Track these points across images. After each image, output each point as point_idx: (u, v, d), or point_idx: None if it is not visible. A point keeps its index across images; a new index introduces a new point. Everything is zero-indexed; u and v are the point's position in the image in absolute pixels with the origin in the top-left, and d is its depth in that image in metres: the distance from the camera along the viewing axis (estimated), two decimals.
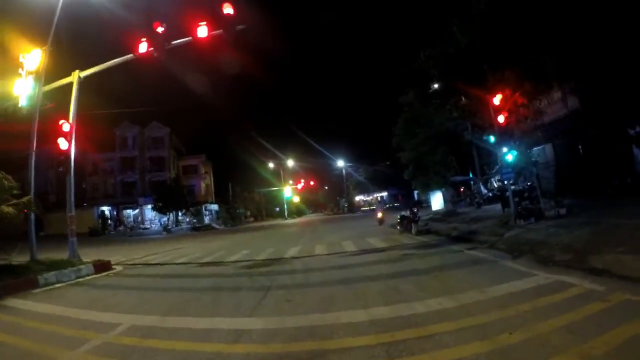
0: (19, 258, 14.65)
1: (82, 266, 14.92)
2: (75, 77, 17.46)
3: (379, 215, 31.36)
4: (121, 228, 68.10)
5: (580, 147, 22.28)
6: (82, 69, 17.73)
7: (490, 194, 33.42)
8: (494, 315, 6.01)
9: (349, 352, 5.32)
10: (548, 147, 24.99)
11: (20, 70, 15.98)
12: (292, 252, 18.39)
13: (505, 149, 17.85)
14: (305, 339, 6.06)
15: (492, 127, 18.89)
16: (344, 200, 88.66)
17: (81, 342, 6.54)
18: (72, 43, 18.42)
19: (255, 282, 11.71)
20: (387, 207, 64.97)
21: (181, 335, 6.83)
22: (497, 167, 23.75)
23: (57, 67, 17.84)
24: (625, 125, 18.97)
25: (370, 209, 79.62)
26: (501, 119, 17.37)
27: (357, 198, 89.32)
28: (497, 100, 17.45)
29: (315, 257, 16.01)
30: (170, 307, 9.15)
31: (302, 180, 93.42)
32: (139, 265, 17.90)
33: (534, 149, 22.45)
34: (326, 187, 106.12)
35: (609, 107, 18.47)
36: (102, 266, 15.80)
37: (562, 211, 15.68)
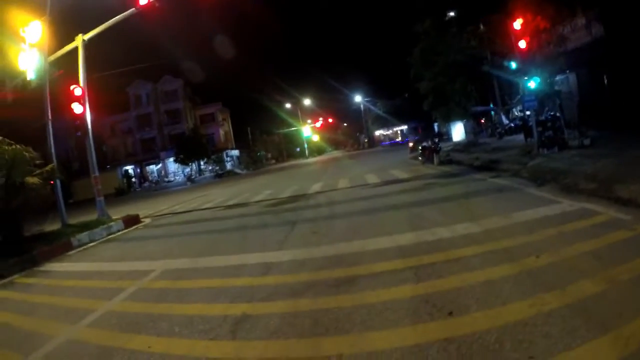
0: (52, 226, 15.04)
1: (112, 223, 15.36)
2: (79, 41, 17.23)
3: (411, 144, 33.87)
4: (146, 184, 69.04)
5: (605, 77, 21.57)
6: (86, 32, 17.46)
7: (512, 125, 32.92)
8: (520, 240, 6.03)
9: (377, 277, 5.46)
10: (572, 77, 24.26)
11: (22, 45, 15.73)
12: (315, 187, 18.57)
13: (526, 77, 17.41)
14: (333, 267, 6.22)
15: (513, 54, 18.40)
16: (363, 136, 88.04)
17: (117, 291, 6.81)
18: (71, 8, 17.90)
19: (281, 218, 11.95)
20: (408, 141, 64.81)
21: (212, 273, 7.10)
22: (519, 97, 23.26)
23: (61, 35, 17.61)
24: None
25: (390, 142, 79.17)
26: (522, 44, 16.87)
27: (377, 133, 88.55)
28: (517, 24, 16.88)
29: (338, 191, 16.17)
30: (199, 249, 9.44)
31: (321, 119, 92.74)
32: (167, 216, 18.25)
33: (557, 77, 21.85)
34: (345, 124, 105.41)
35: (633, 35, 17.71)
36: (131, 221, 16.21)
37: (586, 142, 15.36)
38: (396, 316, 4.22)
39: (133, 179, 69.97)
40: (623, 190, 7.54)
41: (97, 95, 22.01)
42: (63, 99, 17.15)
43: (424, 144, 23.01)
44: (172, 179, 69.79)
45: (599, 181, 8.80)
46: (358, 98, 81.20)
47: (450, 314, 4.06)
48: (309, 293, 5.32)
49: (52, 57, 16.97)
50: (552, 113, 17.86)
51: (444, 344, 3.51)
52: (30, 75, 15.72)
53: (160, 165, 73.65)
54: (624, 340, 3.12)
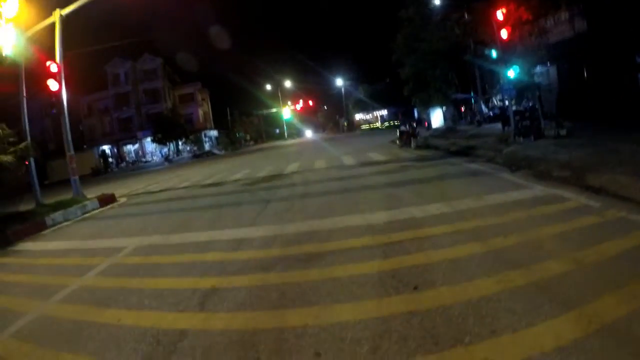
0: (26, 206, 14.76)
1: (86, 202, 15.05)
2: (56, 16, 16.58)
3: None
4: (123, 164, 67.86)
5: (585, 71, 21.75)
6: (64, 7, 16.76)
7: (491, 113, 33.07)
8: (489, 221, 6.08)
9: (346, 253, 5.47)
10: (552, 70, 24.43)
11: None
12: (291, 168, 18.56)
13: (507, 66, 17.49)
14: (304, 243, 6.24)
15: (495, 43, 18.46)
16: (343, 119, 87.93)
17: (90, 268, 6.74)
18: None
19: (255, 197, 11.94)
20: (387, 126, 64.84)
21: (184, 249, 7.06)
22: (499, 86, 23.38)
23: (38, 10, 16.93)
24: (632, 51, 18.46)
25: (370, 127, 79.21)
26: (504, 34, 16.88)
27: (357, 117, 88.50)
28: (500, 14, 16.90)
29: (314, 171, 16.18)
30: (173, 226, 9.37)
31: (301, 101, 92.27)
32: (143, 195, 18.01)
33: (537, 69, 21.98)
34: (325, 107, 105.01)
35: (617, 33, 17.89)
36: (106, 200, 15.93)
37: (563, 132, 15.49)
38: (362, 290, 4.23)
39: (110, 159, 68.79)
40: (595, 178, 7.62)
41: (74, 73, 21.51)
42: (39, 77, 16.59)
43: (402, 128, 23.06)
44: (150, 159, 68.83)
45: (572, 169, 8.90)
46: (339, 81, 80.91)
47: (416, 288, 4.08)
48: (277, 267, 5.32)
49: (29, 33, 16.40)
50: (530, 103, 17.99)
51: (407, 317, 3.52)
52: (7, 50, 15.21)
53: (137, 145, 72.40)
54: (587, 318, 3.15)
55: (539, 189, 7.89)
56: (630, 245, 4.54)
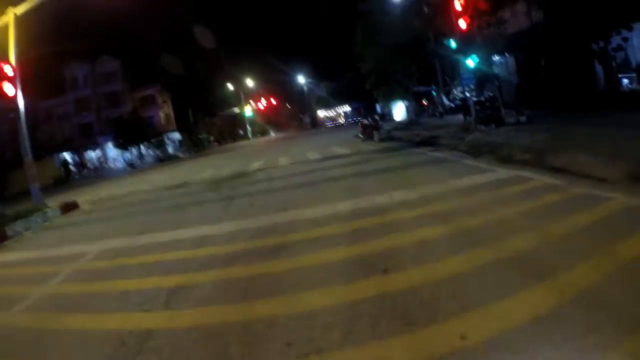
0: None
1: (47, 210, 14.36)
2: (10, 15, 15.90)
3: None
4: (85, 171, 65.79)
5: (542, 61, 22.17)
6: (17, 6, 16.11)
7: (453, 105, 33.50)
8: (455, 203, 6.08)
9: (311, 242, 5.37)
10: (510, 60, 24.87)
11: None
12: (255, 165, 18.37)
13: (466, 56, 17.68)
14: (268, 236, 6.12)
15: (454, 34, 18.62)
16: (307, 116, 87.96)
17: (53, 275, 6.44)
18: None
19: (219, 195, 11.72)
20: (350, 121, 65.11)
21: (148, 250, 6.83)
22: (459, 77, 23.67)
23: None
24: (588, 40, 18.87)
25: (334, 124, 79.41)
26: (462, 24, 17.02)
27: (321, 114, 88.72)
28: (458, 4, 17.04)
29: (278, 168, 16.01)
30: (136, 229, 9.07)
31: (263, 99, 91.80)
32: (106, 200, 17.48)
33: (496, 59, 22.33)
34: (288, 105, 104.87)
35: (573, 22, 18.26)
36: (68, 207, 15.27)
37: (523, 119, 15.78)
38: (330, 276, 4.13)
39: (71, 167, 66.95)
40: (556, 159, 7.74)
41: (31, 77, 20.65)
42: None
43: (364, 121, 23.11)
44: (113, 165, 67.29)
45: (534, 152, 9.01)
46: (301, 79, 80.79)
47: (385, 271, 4.00)
48: (242, 261, 5.18)
49: None
50: (490, 93, 18.22)
51: (378, 300, 3.43)
52: None
53: (99, 151, 70.81)
54: (560, 288, 3.13)
55: (502, 172, 7.98)
56: (595, 217, 4.60)
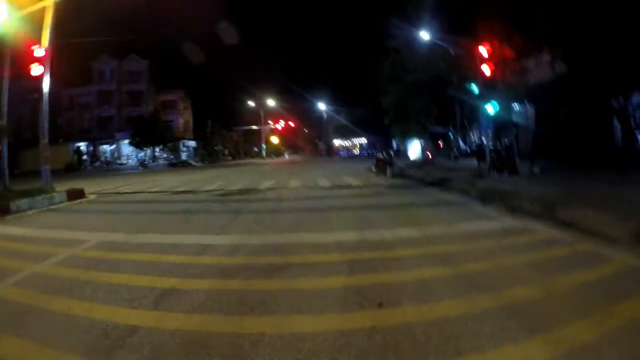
0: None
1: (55, 194, 14.59)
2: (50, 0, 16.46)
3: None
4: (97, 163, 66.52)
5: (562, 113, 22.21)
6: None
7: (468, 150, 33.59)
8: (459, 247, 6.03)
9: (311, 267, 5.33)
10: (530, 109, 24.91)
11: None
12: (266, 184, 18.41)
13: (487, 102, 17.76)
14: (269, 254, 6.08)
15: (477, 79, 18.74)
16: (322, 143, 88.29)
17: (48, 256, 6.51)
18: None
19: (226, 207, 11.77)
20: (365, 154, 65.24)
21: (146, 249, 6.84)
22: (478, 123, 23.72)
23: None
24: (609, 96, 18.93)
25: (348, 154, 79.59)
26: (486, 69, 17.15)
27: (336, 142, 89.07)
28: (484, 50, 17.19)
29: (288, 190, 16.05)
30: (139, 226, 9.12)
31: (282, 121, 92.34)
32: (113, 194, 17.63)
33: (516, 107, 22.38)
34: (305, 130, 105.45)
35: (595, 77, 18.38)
36: (75, 194, 15.46)
37: (536, 170, 15.75)
38: (324, 303, 4.08)
39: (85, 156, 67.52)
40: (566, 213, 7.67)
41: (59, 63, 20.99)
42: (22, 65, 16.20)
43: (379, 156, 23.20)
44: (125, 161, 67.78)
45: (544, 204, 8.93)
46: (322, 105, 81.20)
47: (380, 305, 3.95)
48: (240, 275, 5.14)
49: (21, 13, 16.01)
50: (507, 141, 18.24)
51: (369, 333, 3.38)
52: None
53: (114, 146, 71.21)
54: (556, 342, 3.08)
55: (510, 221, 7.94)
56: (598, 276, 4.56)
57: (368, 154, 62.16)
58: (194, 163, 63.95)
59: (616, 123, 18.94)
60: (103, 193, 17.88)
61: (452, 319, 3.55)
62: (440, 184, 15.33)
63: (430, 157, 33.62)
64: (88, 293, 4.73)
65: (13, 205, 12.22)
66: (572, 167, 17.01)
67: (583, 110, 19.95)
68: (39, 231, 9.16)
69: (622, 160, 16.37)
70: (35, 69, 15.38)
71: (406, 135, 38.57)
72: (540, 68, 22.49)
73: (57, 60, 18.25)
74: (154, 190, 18.63)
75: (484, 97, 18.11)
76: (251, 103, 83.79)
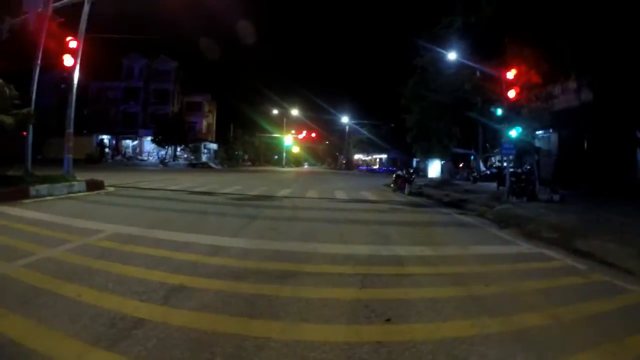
0: (14, 173, 14.46)
1: (75, 182, 14.83)
2: None
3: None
4: (119, 157, 67.22)
5: (585, 141, 22.04)
6: None
7: (488, 172, 33.32)
8: (472, 269, 6.00)
9: (322, 276, 5.34)
10: (553, 136, 24.78)
11: None
12: (283, 192, 18.48)
13: (510, 126, 17.70)
14: (282, 261, 6.09)
15: (502, 103, 18.69)
16: (342, 156, 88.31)
17: (62, 242, 6.60)
18: None
19: (242, 212, 11.84)
20: (384, 170, 65.08)
21: (160, 245, 6.86)
22: (500, 147, 23.60)
23: None
24: (634, 127, 18.77)
25: (367, 168, 79.43)
26: (512, 93, 17.09)
27: (356, 156, 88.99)
28: (511, 74, 17.15)
29: (305, 199, 16.10)
30: (155, 222, 9.22)
31: (304, 131, 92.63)
32: (131, 188, 17.82)
33: (539, 133, 22.25)
34: (327, 142, 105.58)
35: (621, 107, 18.24)
36: (94, 185, 15.71)
37: (556, 197, 15.59)
38: (333, 314, 4.08)
39: (107, 150, 68.40)
40: (583, 243, 7.62)
41: (91, 56, 21.43)
42: (54, 55, 16.56)
43: (398, 172, 23.17)
44: (146, 158, 68.55)
45: (561, 232, 8.88)
46: (345, 119, 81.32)
47: (388, 320, 3.93)
48: (251, 278, 5.15)
49: (57, 4, 16.38)
50: (528, 167, 18.12)
51: (375, 346, 3.36)
52: (31, 17, 15.20)
53: (136, 142, 72.06)
54: None
55: (526, 247, 7.91)
56: (611, 307, 4.52)
57: (388, 170, 61.91)
58: (213, 165, 64.37)
59: None
60: (122, 186, 18.07)
61: (459, 340, 3.53)
62: (458, 205, 15.28)
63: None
64: (99, 282, 4.78)
65: (32, 190, 12.44)
66: (592, 196, 16.82)
67: (607, 140, 19.80)
68: (56, 217, 9.28)
69: None
70: (68, 60, 15.71)
71: (427, 154, 38.51)
72: (566, 95, 22.41)
73: (88, 53, 18.62)
74: (172, 188, 18.79)
75: (508, 120, 18.05)
76: (275, 111, 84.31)
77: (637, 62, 17.03)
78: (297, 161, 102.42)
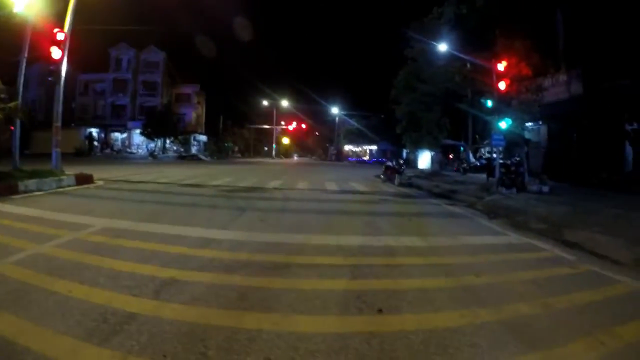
0: (2, 168, 14.17)
1: (63, 177, 14.63)
2: None
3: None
4: (108, 150, 66.50)
5: (574, 134, 22.16)
6: None
7: (478, 164, 33.46)
8: (462, 259, 6.03)
9: (314, 268, 5.35)
10: (543, 128, 24.87)
11: None
12: (274, 184, 18.44)
13: (500, 117, 17.78)
14: (273, 253, 6.10)
15: (492, 94, 18.75)
16: (333, 147, 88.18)
17: (51, 238, 6.57)
18: None
19: (232, 203, 11.80)
20: (374, 161, 65.17)
21: (150, 238, 6.84)
22: (489, 138, 23.70)
23: None
24: (623, 120, 18.89)
25: (357, 159, 79.43)
26: (502, 85, 17.17)
27: (346, 147, 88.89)
28: (501, 66, 17.22)
29: (296, 191, 16.09)
30: (144, 215, 9.17)
31: (294, 122, 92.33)
32: (121, 182, 17.68)
33: (529, 125, 22.33)
34: (317, 133, 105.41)
35: (610, 100, 18.36)
36: (84, 179, 15.53)
37: (545, 189, 15.70)
38: (325, 305, 4.09)
39: (95, 143, 67.74)
40: (571, 234, 7.70)
41: (78, 48, 21.20)
42: (39, 47, 16.33)
43: (388, 163, 23.20)
44: (135, 151, 68.00)
45: (549, 223, 8.96)
46: (335, 110, 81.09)
47: (380, 311, 3.95)
48: (242, 271, 5.15)
49: None
50: (517, 158, 18.21)
51: (367, 337, 3.38)
52: (19, 7, 14.96)
53: (125, 135, 71.43)
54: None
55: (515, 237, 7.97)
56: (600, 297, 4.59)
57: (377, 161, 61.94)
58: (203, 157, 63.98)
59: (629, 147, 18.86)
60: (111, 180, 17.94)
61: (450, 329, 3.55)
62: (448, 195, 15.35)
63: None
64: (89, 277, 4.75)
65: (21, 185, 12.28)
66: (581, 188, 16.96)
67: (596, 132, 19.91)
68: (45, 212, 9.20)
69: (632, 184, 16.33)
70: (55, 52, 15.50)
71: (417, 145, 38.58)
72: (556, 87, 22.47)
73: (75, 44, 18.40)
74: (161, 181, 18.69)
75: (498, 112, 18.13)
76: (265, 102, 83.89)
77: (627, 55, 17.13)
78: (287, 153, 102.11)
